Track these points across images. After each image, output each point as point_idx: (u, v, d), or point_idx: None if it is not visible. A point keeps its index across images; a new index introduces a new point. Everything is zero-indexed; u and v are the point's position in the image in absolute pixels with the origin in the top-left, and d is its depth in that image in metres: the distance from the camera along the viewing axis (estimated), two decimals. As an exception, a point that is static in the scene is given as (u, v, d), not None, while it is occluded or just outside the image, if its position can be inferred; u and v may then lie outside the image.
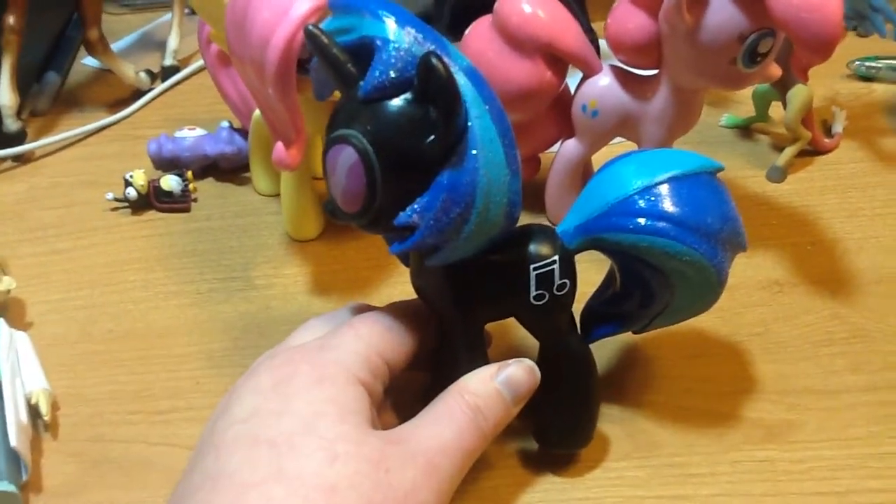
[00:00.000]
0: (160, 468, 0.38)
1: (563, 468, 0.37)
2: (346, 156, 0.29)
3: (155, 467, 0.38)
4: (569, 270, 0.33)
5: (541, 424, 0.36)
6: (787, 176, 0.54)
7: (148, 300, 0.47)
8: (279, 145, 0.40)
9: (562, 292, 0.33)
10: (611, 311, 0.37)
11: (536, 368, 0.34)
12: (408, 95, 0.29)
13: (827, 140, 0.56)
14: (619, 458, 0.37)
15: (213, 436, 0.30)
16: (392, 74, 0.28)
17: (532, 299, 0.33)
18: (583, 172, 0.49)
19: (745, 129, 0.59)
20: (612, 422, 0.38)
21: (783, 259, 0.47)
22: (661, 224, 0.31)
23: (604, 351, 0.40)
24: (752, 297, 0.45)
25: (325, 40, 0.29)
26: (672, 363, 0.41)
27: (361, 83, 0.29)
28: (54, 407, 0.40)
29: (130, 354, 0.43)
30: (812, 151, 0.56)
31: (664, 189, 0.32)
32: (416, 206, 0.29)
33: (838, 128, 0.57)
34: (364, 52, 0.29)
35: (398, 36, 0.28)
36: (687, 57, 0.40)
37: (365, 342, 0.32)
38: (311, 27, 0.29)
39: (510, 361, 0.33)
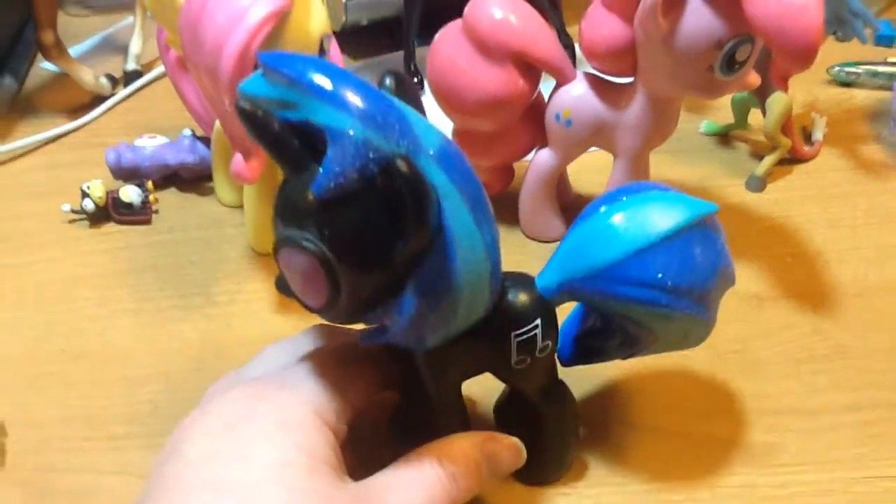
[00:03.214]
0: (112, 500, 0.36)
1: (536, 495, 0.35)
2: (303, 262, 0.25)
3: (106, 499, 0.36)
4: (551, 330, 0.31)
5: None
6: (766, 185, 0.53)
7: (104, 318, 0.45)
8: (237, 157, 0.38)
9: (544, 354, 0.31)
10: (590, 343, 0.35)
11: (523, 449, 0.32)
12: (371, 199, 0.24)
13: (807, 148, 0.55)
14: (594, 485, 0.35)
15: (163, 479, 0.27)
16: (352, 174, 0.24)
17: (514, 364, 0.31)
18: (558, 183, 0.48)
19: (725, 137, 0.58)
20: (588, 446, 0.37)
21: (763, 272, 0.46)
22: (655, 293, 0.29)
23: (578, 372, 0.38)
24: (731, 313, 0.43)
25: (263, 118, 0.25)
26: (649, 382, 0.40)
27: (315, 181, 0.24)
28: (0, 433, 0.38)
29: (84, 377, 0.41)
30: (792, 159, 0.55)
31: (658, 253, 0.29)
32: (388, 308, 0.26)
33: (818, 135, 0.56)
34: (312, 132, 0.25)
35: (356, 127, 0.24)
36: (663, 64, 0.39)
37: (328, 380, 0.30)
38: (242, 102, 0.25)
39: (499, 436, 0.32)
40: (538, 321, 0.30)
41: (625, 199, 0.31)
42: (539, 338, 0.30)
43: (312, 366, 0.30)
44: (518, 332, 0.30)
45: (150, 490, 0.27)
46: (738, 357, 0.41)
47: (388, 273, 0.26)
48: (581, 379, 0.39)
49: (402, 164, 0.23)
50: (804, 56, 0.33)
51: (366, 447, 0.31)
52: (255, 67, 0.36)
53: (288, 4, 0.35)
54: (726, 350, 0.42)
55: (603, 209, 0.31)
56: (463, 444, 0.30)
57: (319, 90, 0.24)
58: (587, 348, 0.35)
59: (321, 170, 0.24)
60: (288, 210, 0.26)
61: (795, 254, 0.48)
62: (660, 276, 0.29)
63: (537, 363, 0.31)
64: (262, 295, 0.46)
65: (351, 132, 0.24)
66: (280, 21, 0.36)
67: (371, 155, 0.24)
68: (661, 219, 0.29)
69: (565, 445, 0.35)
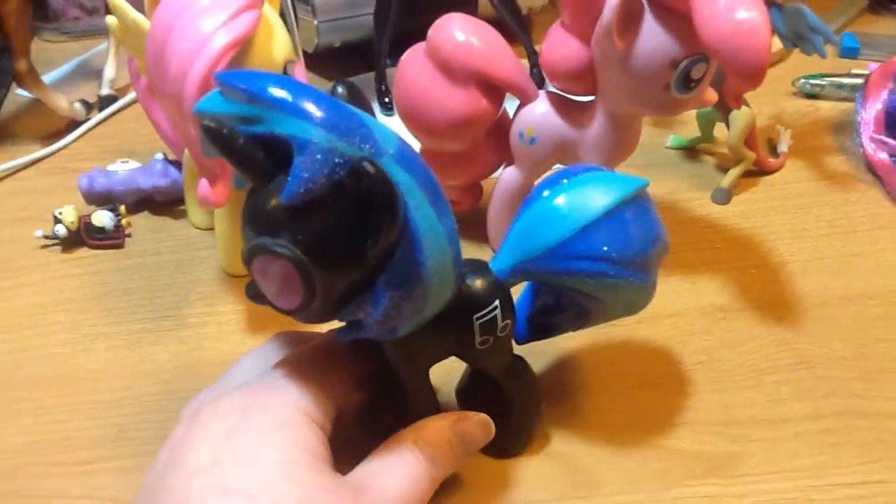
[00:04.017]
0: (81, 524, 0.36)
1: (505, 466, 0.36)
2: (278, 267, 0.27)
3: (75, 523, 0.36)
4: (509, 308, 0.33)
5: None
6: (731, 198, 0.53)
7: (75, 343, 0.45)
8: (203, 182, 0.39)
9: (504, 332, 0.33)
10: (543, 320, 0.37)
11: (492, 424, 0.34)
12: (340, 201, 0.26)
13: (772, 160, 0.56)
14: (558, 499, 0.36)
15: (169, 490, 0.28)
16: (320, 180, 0.25)
17: (477, 345, 0.32)
18: (523, 198, 0.48)
19: (691, 150, 0.58)
20: (552, 459, 0.37)
21: (727, 284, 0.47)
22: (602, 265, 0.32)
23: (543, 383, 0.39)
24: (696, 325, 0.44)
25: (229, 134, 0.26)
26: (613, 395, 0.40)
27: (285, 189, 0.25)
28: (-29, 461, 0.38)
29: (54, 401, 0.41)
30: (758, 172, 0.56)
31: (601, 228, 0.32)
32: (362, 303, 0.27)
33: (783, 147, 0.57)
34: (277, 143, 0.26)
35: (320, 135, 0.25)
36: (620, 83, 0.40)
37: (310, 381, 0.31)
38: (207, 121, 0.25)
39: (469, 414, 0.34)
40: (497, 303, 0.32)
41: (565, 181, 0.33)
42: (499, 318, 0.32)
43: (292, 369, 0.31)
44: (479, 314, 0.32)
45: (155, 502, 0.28)
46: (702, 368, 0.42)
47: (360, 270, 0.27)
48: (546, 393, 0.40)
49: (368, 167, 0.25)
50: (754, 75, 0.34)
51: (342, 443, 0.32)
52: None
53: (250, 32, 0.36)
54: (691, 362, 0.42)
55: (546, 193, 0.33)
56: (436, 426, 0.32)
57: (282, 103, 0.25)
58: (540, 325, 0.37)
59: (289, 178, 0.25)
60: (259, 219, 0.27)
61: (760, 265, 0.48)
62: (605, 248, 0.32)
63: (499, 342, 0.33)
64: (233, 316, 0.46)
65: (316, 140, 0.25)
66: (243, 48, 0.36)
67: (337, 160, 0.25)
68: (600, 197, 0.32)
69: (529, 417, 0.37)
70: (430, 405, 0.35)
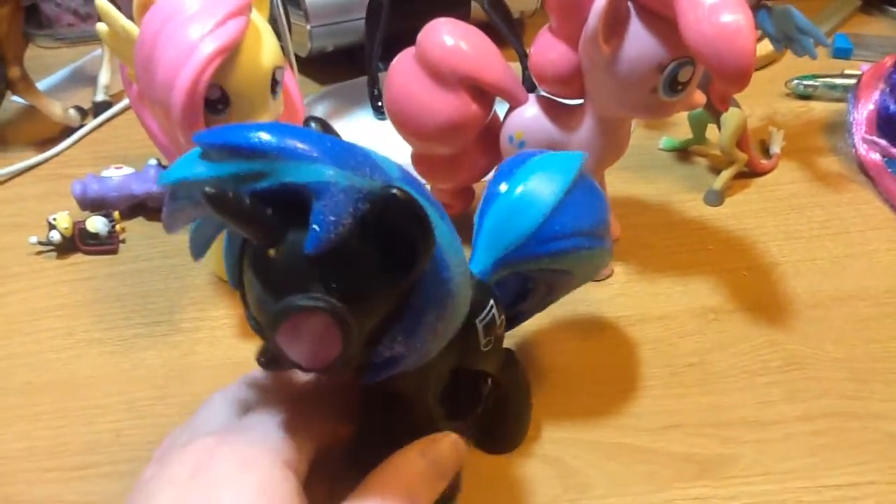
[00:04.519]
0: (73, 530, 0.36)
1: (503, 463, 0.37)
2: (315, 324, 0.24)
3: (68, 529, 0.36)
4: (500, 304, 0.33)
5: (485, 432, 0.37)
6: (724, 199, 0.53)
7: (70, 349, 0.45)
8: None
9: (501, 329, 0.34)
10: (511, 313, 0.37)
11: (461, 442, 0.32)
12: (366, 237, 0.24)
13: (764, 161, 0.56)
14: (548, 502, 0.36)
15: None
16: (347, 220, 0.23)
17: (482, 348, 0.32)
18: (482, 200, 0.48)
19: (684, 152, 0.58)
20: (542, 462, 0.37)
21: (719, 285, 0.47)
22: (575, 239, 0.34)
23: (533, 387, 0.39)
24: (688, 327, 0.44)
25: (236, 199, 0.23)
26: (605, 398, 0.40)
27: (310, 239, 0.23)
28: (-35, 467, 0.39)
29: (48, 407, 0.42)
30: (750, 173, 0.56)
31: (567, 206, 0.33)
32: (398, 337, 0.26)
33: (776, 148, 0.57)
34: (286, 194, 0.24)
35: (337, 175, 0.23)
36: (608, 87, 0.40)
37: (284, 418, 0.30)
38: (209, 190, 0.23)
39: (437, 437, 0.31)
40: (491, 301, 0.32)
41: (516, 172, 0.34)
42: (496, 315, 0.33)
43: (267, 407, 0.30)
44: (481, 318, 0.32)
45: None
46: (693, 370, 0.42)
47: (392, 303, 0.26)
48: (537, 395, 0.40)
49: (399, 194, 0.24)
50: (739, 77, 0.34)
51: (335, 479, 0.31)
52: (207, 104, 0.36)
53: (238, 38, 0.36)
54: (683, 364, 0.42)
55: (504, 187, 0.34)
56: (405, 462, 0.30)
57: (290, 150, 0.24)
58: (510, 318, 0.37)
59: (313, 226, 0.23)
60: (282, 281, 0.25)
61: (752, 267, 0.48)
62: (576, 224, 0.34)
63: (498, 340, 0.34)
64: (226, 321, 0.46)
65: (334, 181, 0.23)
66: (230, 54, 0.36)
67: (357, 196, 0.24)
68: (556, 178, 0.34)
69: (525, 405, 0.38)
70: (435, 428, 0.33)
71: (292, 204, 0.24)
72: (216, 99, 0.38)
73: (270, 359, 0.28)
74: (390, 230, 0.24)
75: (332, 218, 0.23)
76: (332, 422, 0.31)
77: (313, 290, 0.24)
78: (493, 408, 0.35)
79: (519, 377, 0.37)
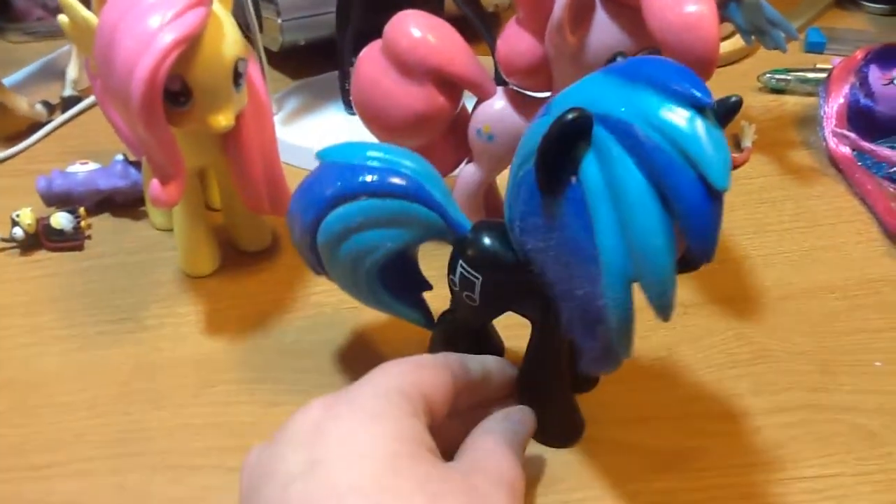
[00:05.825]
0: (32, 529, 0.35)
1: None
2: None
3: (27, 529, 0.35)
4: None
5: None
6: (695, 193, 0.53)
7: (32, 346, 0.44)
8: (154, 182, 0.38)
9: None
10: None
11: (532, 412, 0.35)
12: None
13: (736, 155, 0.56)
14: (515, 497, 0.36)
15: (264, 502, 0.26)
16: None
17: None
18: (489, 197, 0.48)
19: (657, 146, 0.58)
20: (510, 458, 0.37)
21: (689, 279, 0.47)
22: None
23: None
24: (656, 321, 0.44)
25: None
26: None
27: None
28: (-78, 467, 0.38)
29: (8, 405, 0.41)
30: (722, 167, 0.55)
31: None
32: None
33: (748, 142, 0.57)
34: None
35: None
36: (574, 78, 0.39)
37: (405, 379, 0.30)
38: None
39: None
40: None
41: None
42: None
43: (383, 369, 0.31)
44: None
45: None
46: (662, 364, 0.42)
47: None
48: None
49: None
50: (703, 67, 0.34)
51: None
52: (169, 96, 0.36)
53: (197, 29, 0.36)
54: (652, 357, 0.42)
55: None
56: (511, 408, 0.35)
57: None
58: None
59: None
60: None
61: (722, 259, 0.48)
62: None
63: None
64: (191, 318, 0.45)
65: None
66: (190, 45, 0.36)
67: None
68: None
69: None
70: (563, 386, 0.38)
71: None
72: (178, 91, 0.37)
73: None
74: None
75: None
76: (448, 393, 0.32)
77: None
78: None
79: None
